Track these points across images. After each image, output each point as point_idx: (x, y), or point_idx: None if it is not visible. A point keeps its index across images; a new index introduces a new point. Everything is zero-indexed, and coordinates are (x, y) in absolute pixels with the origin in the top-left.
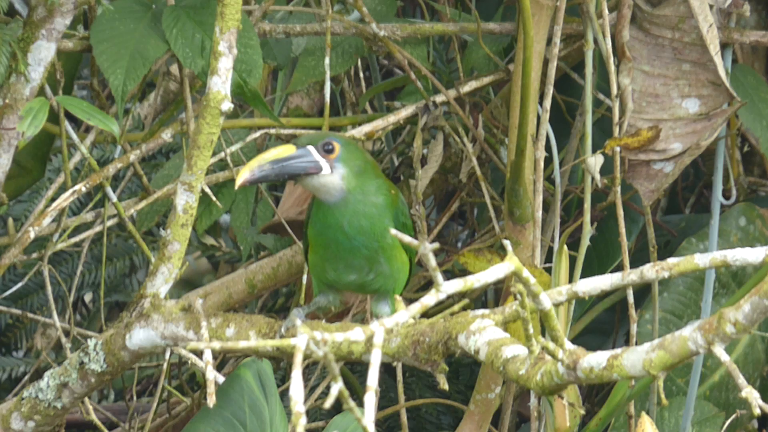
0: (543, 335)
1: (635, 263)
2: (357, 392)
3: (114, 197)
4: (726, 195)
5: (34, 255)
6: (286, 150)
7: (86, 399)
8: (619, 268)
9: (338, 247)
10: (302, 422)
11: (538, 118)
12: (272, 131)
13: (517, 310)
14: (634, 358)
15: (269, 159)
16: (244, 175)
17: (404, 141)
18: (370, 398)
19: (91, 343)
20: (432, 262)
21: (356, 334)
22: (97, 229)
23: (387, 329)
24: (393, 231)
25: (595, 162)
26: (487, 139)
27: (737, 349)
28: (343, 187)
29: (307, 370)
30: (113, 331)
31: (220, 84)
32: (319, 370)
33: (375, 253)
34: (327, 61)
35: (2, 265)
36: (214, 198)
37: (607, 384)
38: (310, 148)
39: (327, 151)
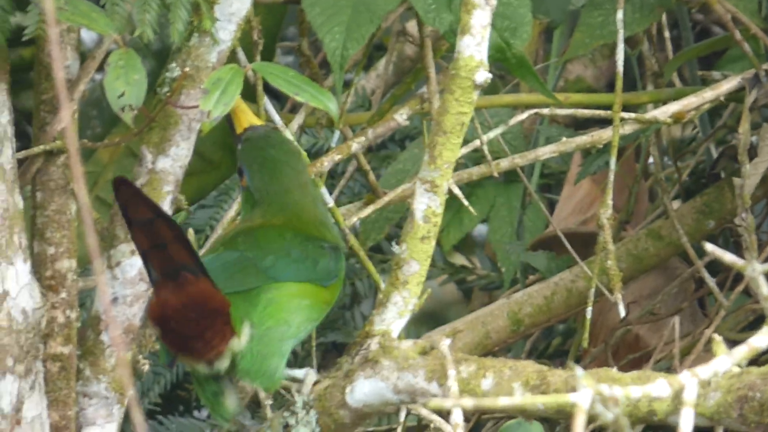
0: None
1: None
2: None
3: (330, 201)
4: None
5: None
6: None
7: None
8: None
9: None
10: None
11: None
12: (545, 111)
13: None
14: None
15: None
16: None
17: (726, 125)
18: None
19: (299, 398)
20: (764, 289)
21: (659, 388)
22: None
23: (702, 381)
24: None
25: None
26: None
27: None
28: None
29: None
30: (329, 382)
31: (474, 47)
32: None
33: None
34: (620, 15)
35: None
36: (465, 202)
37: None
38: None
39: (240, 173)
